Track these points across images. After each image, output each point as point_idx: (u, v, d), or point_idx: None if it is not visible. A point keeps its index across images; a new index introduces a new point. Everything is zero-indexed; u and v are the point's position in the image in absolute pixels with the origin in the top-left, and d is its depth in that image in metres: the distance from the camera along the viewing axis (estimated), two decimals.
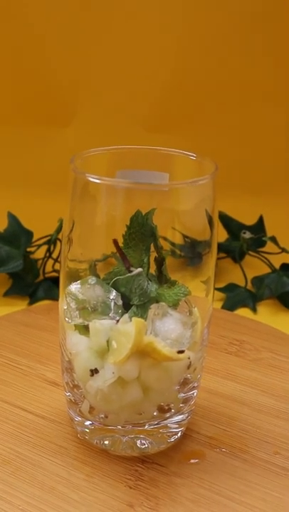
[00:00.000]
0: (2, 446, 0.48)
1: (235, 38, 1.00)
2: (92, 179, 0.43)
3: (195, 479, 0.46)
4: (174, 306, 0.45)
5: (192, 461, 0.48)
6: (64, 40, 1.01)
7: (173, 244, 0.47)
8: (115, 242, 0.45)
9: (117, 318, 0.44)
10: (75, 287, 0.46)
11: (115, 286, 0.46)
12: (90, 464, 0.47)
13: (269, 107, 1.02)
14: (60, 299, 0.48)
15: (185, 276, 0.48)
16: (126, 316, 0.44)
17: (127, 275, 0.45)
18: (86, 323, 0.45)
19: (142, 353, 0.43)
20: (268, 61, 1.01)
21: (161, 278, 0.46)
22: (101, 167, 0.48)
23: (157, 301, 0.45)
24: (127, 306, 0.45)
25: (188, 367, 0.46)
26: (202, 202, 0.46)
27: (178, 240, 0.47)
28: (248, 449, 0.49)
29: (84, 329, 0.45)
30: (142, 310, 0.45)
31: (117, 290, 0.45)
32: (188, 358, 0.45)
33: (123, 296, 0.45)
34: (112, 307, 0.45)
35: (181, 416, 0.49)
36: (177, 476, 0.46)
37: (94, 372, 0.45)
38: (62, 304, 0.47)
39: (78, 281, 0.46)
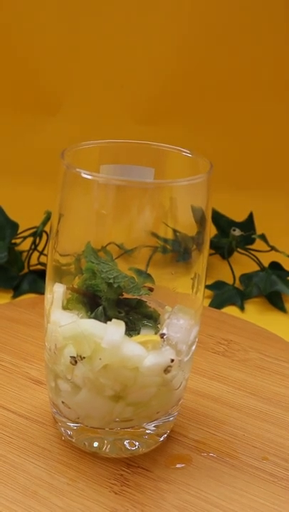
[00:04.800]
0: None
1: (232, 29, 0.99)
2: (84, 175, 0.42)
3: (181, 485, 0.45)
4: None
5: (178, 465, 0.47)
6: (52, 26, 0.99)
7: (165, 240, 0.46)
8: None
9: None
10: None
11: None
12: (74, 467, 0.46)
13: (259, 103, 1.00)
14: (46, 293, 0.47)
15: (176, 272, 0.46)
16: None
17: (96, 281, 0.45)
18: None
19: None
20: (262, 57, 1.00)
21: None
22: (91, 161, 0.47)
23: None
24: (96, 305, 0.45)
25: (167, 370, 0.44)
26: (196, 200, 0.45)
27: (169, 235, 0.45)
28: (236, 455, 0.48)
29: (72, 302, 0.45)
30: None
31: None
32: (172, 361, 0.44)
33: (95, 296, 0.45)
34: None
35: (168, 416, 0.47)
36: (163, 481, 0.45)
37: (76, 360, 0.43)
38: (48, 297, 0.46)
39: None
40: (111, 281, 0.44)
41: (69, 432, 0.47)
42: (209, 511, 0.43)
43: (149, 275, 0.47)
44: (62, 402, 0.46)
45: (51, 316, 0.45)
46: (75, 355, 0.43)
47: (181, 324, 0.45)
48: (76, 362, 0.43)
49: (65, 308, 0.45)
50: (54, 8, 0.99)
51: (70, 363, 0.43)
